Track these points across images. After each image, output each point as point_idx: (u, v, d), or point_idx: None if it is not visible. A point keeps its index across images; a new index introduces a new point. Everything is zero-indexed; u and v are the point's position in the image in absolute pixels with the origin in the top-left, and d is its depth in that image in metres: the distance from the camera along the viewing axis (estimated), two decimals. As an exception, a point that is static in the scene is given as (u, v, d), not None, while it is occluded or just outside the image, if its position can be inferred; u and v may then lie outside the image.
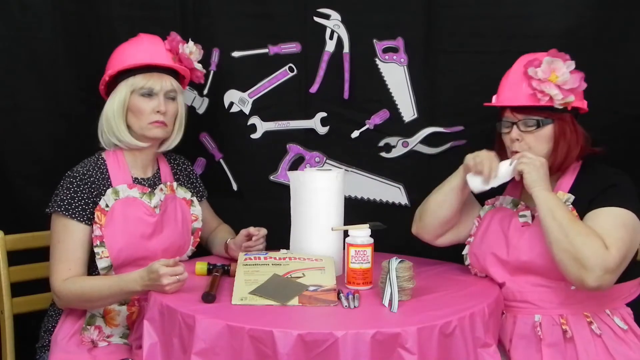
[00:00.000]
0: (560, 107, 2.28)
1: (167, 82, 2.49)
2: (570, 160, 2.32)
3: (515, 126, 2.34)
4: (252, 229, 2.51)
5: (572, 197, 2.29)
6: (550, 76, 2.26)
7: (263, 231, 2.52)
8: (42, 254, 2.53)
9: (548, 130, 2.31)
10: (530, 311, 2.31)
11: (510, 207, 2.41)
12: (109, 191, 2.43)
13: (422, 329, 1.97)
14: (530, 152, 2.31)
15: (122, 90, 2.46)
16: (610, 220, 2.21)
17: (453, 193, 2.41)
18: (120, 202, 2.43)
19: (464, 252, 2.47)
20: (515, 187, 2.43)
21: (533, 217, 2.34)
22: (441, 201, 2.44)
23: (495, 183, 2.32)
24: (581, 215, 2.25)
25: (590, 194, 2.27)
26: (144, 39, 2.55)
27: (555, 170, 2.33)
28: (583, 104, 2.35)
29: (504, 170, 2.31)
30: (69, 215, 2.39)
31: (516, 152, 2.33)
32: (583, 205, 2.26)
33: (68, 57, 2.84)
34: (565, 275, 2.19)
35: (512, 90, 2.35)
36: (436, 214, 2.45)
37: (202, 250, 2.69)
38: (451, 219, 2.46)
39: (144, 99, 2.46)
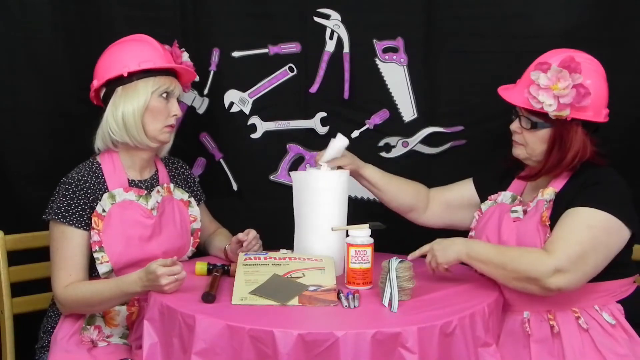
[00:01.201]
0: (553, 117, 2.24)
1: (179, 85, 2.51)
2: (565, 166, 2.28)
3: (518, 119, 2.34)
4: (240, 235, 2.49)
5: (553, 194, 2.28)
6: (554, 85, 2.22)
7: (252, 234, 2.49)
8: (42, 254, 2.53)
9: (545, 133, 2.29)
10: (519, 307, 2.32)
11: (508, 202, 2.41)
12: (105, 196, 2.42)
13: (423, 329, 1.97)
14: (527, 147, 2.32)
15: (142, 90, 2.42)
16: (572, 222, 2.20)
17: (366, 186, 2.59)
18: (117, 206, 2.42)
19: None
20: (519, 184, 2.43)
21: (525, 212, 2.34)
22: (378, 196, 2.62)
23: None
24: (558, 214, 2.24)
25: (573, 193, 2.25)
26: (149, 39, 2.51)
27: (548, 172, 2.31)
28: (594, 117, 2.26)
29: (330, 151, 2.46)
30: (66, 222, 2.38)
31: (516, 142, 2.34)
32: (564, 203, 2.25)
33: (68, 57, 2.84)
34: (535, 294, 2.21)
35: (520, 84, 2.33)
36: (390, 205, 2.61)
37: (202, 250, 2.69)
38: (398, 199, 2.58)
39: (163, 101, 2.45)
